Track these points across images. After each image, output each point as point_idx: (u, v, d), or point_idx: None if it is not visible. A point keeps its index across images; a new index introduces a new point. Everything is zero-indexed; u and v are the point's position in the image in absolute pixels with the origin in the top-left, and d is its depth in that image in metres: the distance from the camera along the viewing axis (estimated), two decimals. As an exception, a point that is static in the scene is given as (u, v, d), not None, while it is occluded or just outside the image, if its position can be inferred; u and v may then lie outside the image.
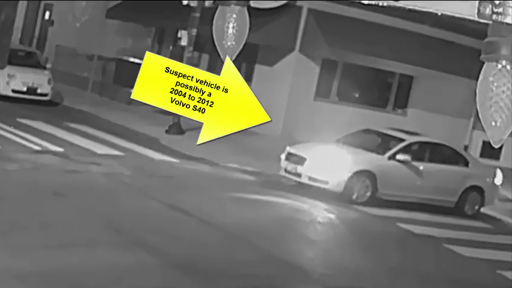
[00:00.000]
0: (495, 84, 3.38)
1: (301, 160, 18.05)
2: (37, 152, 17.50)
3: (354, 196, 17.81)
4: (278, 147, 19.47)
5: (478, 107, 3.49)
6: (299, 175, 18.04)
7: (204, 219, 13.89)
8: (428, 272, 13.47)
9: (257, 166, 19.87)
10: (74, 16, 26.09)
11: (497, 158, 27.93)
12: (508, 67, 3.37)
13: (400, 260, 14.00)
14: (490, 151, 27.05)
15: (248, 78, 26.95)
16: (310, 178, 17.84)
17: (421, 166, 18.70)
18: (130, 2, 28.67)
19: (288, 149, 18.70)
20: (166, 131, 22.94)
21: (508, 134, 3.44)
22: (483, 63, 3.45)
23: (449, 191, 19.16)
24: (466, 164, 19.71)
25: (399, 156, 18.37)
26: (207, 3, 22.59)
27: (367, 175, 17.92)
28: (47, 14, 35.74)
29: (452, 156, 19.67)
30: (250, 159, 20.52)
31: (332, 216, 16.57)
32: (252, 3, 4.17)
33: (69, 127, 21.40)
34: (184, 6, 23.40)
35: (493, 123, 3.40)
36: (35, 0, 35.56)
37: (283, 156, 18.68)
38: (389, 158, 18.35)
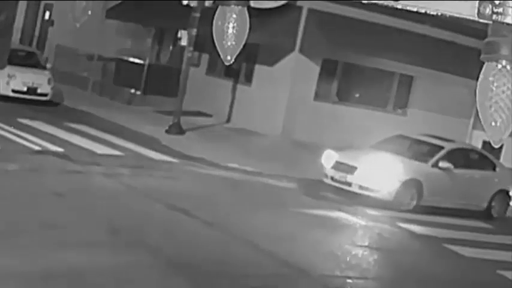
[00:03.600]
0: (495, 84, 3.38)
1: (351, 169, 18.14)
2: (37, 152, 17.50)
3: (403, 204, 18.04)
4: (278, 147, 19.48)
5: (478, 107, 3.49)
6: (349, 184, 18.13)
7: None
8: (426, 271, 13.48)
9: (266, 168, 19.85)
10: (74, 16, 26.06)
11: (497, 158, 27.90)
12: (508, 67, 3.37)
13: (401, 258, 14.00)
14: (490, 151, 27.02)
15: (248, 78, 26.97)
16: (361, 187, 17.98)
17: (459, 172, 19.04)
18: (130, 2, 28.66)
19: (335, 157, 18.69)
20: (166, 131, 22.94)
21: (508, 134, 3.44)
22: (483, 63, 3.45)
23: (482, 196, 19.62)
24: (494, 167, 20.04)
25: (441, 164, 18.71)
26: (207, 3, 22.58)
27: (414, 183, 18.20)
28: (47, 14, 35.74)
29: (481, 161, 20.05)
30: (254, 160, 20.50)
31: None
32: (252, 3, 4.16)
33: (69, 127, 21.39)
34: (184, 6, 23.39)
35: (493, 123, 3.40)
36: (35, 0, 35.56)
37: (326, 164, 18.74)
38: (433, 165, 18.66)
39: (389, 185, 17.82)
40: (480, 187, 19.52)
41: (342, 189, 18.30)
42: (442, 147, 19.07)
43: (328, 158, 18.83)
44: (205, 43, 22.89)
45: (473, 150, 20.07)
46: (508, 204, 19.97)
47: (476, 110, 3.60)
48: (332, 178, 18.50)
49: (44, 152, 17.58)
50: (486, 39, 3.45)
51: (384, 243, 15.11)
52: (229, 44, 3.94)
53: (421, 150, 19.24)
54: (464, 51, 25.03)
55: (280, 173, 19.70)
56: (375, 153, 18.82)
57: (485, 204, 19.67)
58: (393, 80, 28.14)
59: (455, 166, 18.90)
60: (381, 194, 17.82)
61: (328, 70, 26.44)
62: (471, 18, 21.92)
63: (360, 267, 12.86)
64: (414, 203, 18.21)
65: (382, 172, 17.89)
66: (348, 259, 13.20)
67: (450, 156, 18.95)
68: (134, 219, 13.23)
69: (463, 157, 19.49)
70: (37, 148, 17.83)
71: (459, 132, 28.10)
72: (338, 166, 18.39)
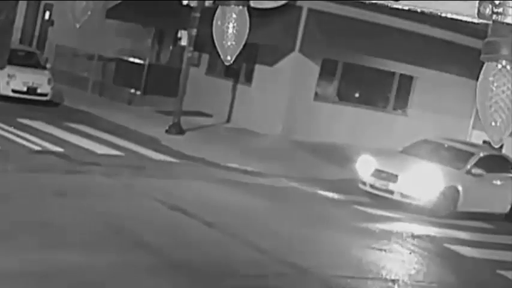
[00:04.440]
0: (495, 84, 3.37)
1: (392, 177, 18.42)
2: (37, 152, 17.50)
3: (441, 211, 18.32)
4: (279, 147, 19.48)
5: (478, 107, 3.49)
6: (391, 192, 18.40)
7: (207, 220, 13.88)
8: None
9: (269, 168, 19.87)
10: (74, 16, 26.04)
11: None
12: (508, 67, 3.36)
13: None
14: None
15: (248, 78, 26.97)
16: (402, 195, 18.25)
17: (488, 177, 19.35)
18: (130, 2, 28.66)
19: (373, 164, 18.91)
20: (167, 131, 22.94)
21: (508, 134, 3.44)
22: (483, 63, 3.45)
23: (506, 199, 19.88)
24: None
25: (474, 170, 19.07)
26: (207, 3, 22.59)
27: (453, 190, 18.52)
28: (47, 14, 35.74)
29: (504, 164, 20.32)
30: (254, 160, 20.51)
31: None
32: (252, 3, 4.16)
33: (69, 127, 21.39)
34: (184, 6, 23.40)
35: (493, 123, 3.39)
36: (35, 0, 35.56)
37: (363, 170, 18.97)
38: (467, 172, 19.02)
39: (430, 193, 18.18)
40: (505, 191, 19.88)
41: (382, 196, 18.57)
42: (472, 153, 19.50)
43: (365, 164, 19.10)
44: (205, 43, 22.90)
45: (498, 155, 20.35)
46: None
47: (476, 110, 3.60)
48: (371, 186, 18.80)
49: (44, 152, 17.59)
50: (486, 39, 3.45)
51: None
52: (229, 44, 3.94)
53: (452, 156, 19.58)
54: (464, 51, 25.04)
55: (283, 173, 19.71)
56: (412, 160, 19.15)
57: (508, 207, 19.98)
58: (393, 80, 28.14)
59: (487, 172, 19.35)
60: (422, 201, 18.18)
61: (328, 70, 26.45)
62: (471, 18, 21.96)
63: None
64: (451, 209, 18.59)
65: (423, 180, 18.23)
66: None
67: (481, 162, 19.38)
68: (134, 219, 13.23)
69: (491, 162, 19.79)
70: (37, 148, 17.83)
71: (459, 132, 28.11)
72: (378, 174, 18.67)
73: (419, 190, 18.10)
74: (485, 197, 19.21)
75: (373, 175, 18.72)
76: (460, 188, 18.56)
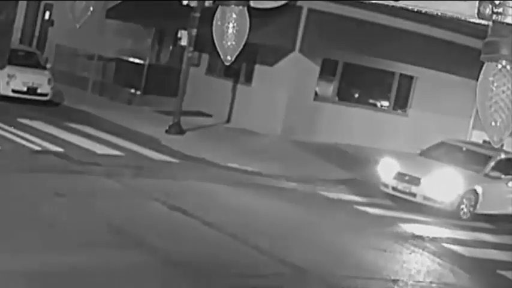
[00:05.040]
0: (495, 84, 3.37)
1: (415, 180, 18.79)
2: (37, 152, 17.50)
3: (462, 214, 18.69)
4: (279, 147, 19.47)
5: (478, 107, 3.49)
6: (414, 195, 18.75)
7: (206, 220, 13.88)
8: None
9: (269, 168, 19.87)
10: (74, 16, 26.04)
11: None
12: (508, 67, 3.36)
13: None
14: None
15: (248, 78, 26.97)
16: (425, 198, 18.62)
17: (505, 179, 19.72)
18: (130, 2, 28.65)
19: (395, 167, 19.23)
20: (167, 131, 22.93)
21: (508, 134, 3.44)
22: (483, 63, 3.45)
23: None
24: None
25: (493, 174, 19.50)
26: (207, 3, 22.58)
27: (472, 193, 18.90)
28: (47, 14, 35.73)
29: None
30: (254, 160, 20.51)
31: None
32: (252, 3, 4.16)
33: (69, 127, 21.39)
34: (184, 6, 23.38)
35: (493, 123, 3.39)
36: (35, 0, 35.55)
37: (385, 173, 19.34)
38: (485, 175, 19.41)
39: (452, 196, 18.55)
40: None
41: (404, 199, 18.87)
42: (490, 157, 19.83)
43: (387, 167, 19.49)
44: (205, 43, 22.89)
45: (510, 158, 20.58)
46: None
47: (476, 110, 3.60)
48: (394, 188, 19.14)
49: (44, 152, 17.59)
50: (486, 39, 3.45)
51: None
52: (229, 44, 3.94)
53: (471, 159, 19.95)
54: (464, 51, 25.02)
55: (283, 173, 19.71)
56: (434, 164, 19.57)
57: None
58: (393, 80, 28.13)
59: (504, 174, 19.78)
60: (444, 204, 18.54)
61: (328, 70, 26.44)
62: (471, 18, 21.95)
63: None
64: (471, 211, 18.92)
65: (445, 183, 18.61)
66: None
67: (498, 165, 19.78)
68: (134, 219, 13.23)
69: (507, 165, 20.14)
70: (37, 148, 17.83)
71: (459, 132, 28.10)
72: (401, 177, 19.03)
73: (441, 193, 18.53)
74: (502, 199, 19.56)
75: (395, 178, 19.16)
76: (479, 190, 18.96)
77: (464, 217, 18.70)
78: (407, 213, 18.03)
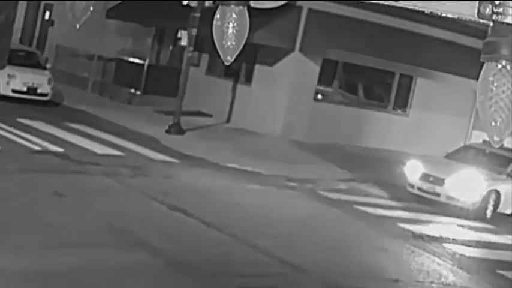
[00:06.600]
0: (495, 84, 3.37)
1: (439, 180, 19.47)
2: (37, 152, 17.50)
3: (485, 213, 19.23)
4: (279, 147, 19.47)
5: (478, 107, 3.49)
6: (438, 195, 19.45)
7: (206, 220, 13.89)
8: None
9: (269, 168, 19.87)
10: (74, 16, 26.03)
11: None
12: (508, 67, 3.36)
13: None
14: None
15: (248, 78, 26.97)
16: (448, 197, 19.27)
17: None
18: (130, 2, 28.66)
19: (421, 168, 19.89)
20: (167, 131, 22.94)
21: (508, 134, 3.44)
22: (483, 63, 3.45)
23: None
24: None
25: None
26: (207, 3, 22.58)
27: (495, 193, 19.46)
28: (47, 14, 35.73)
29: None
30: (257, 160, 20.51)
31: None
32: (252, 3, 4.16)
33: (69, 127, 21.39)
34: (184, 6, 23.39)
35: (493, 123, 3.39)
36: (35, 0, 35.55)
37: (411, 174, 20.01)
38: (507, 176, 19.95)
39: (474, 196, 19.06)
40: None
41: (429, 199, 19.50)
42: (511, 159, 20.39)
43: (413, 168, 20.16)
44: (205, 43, 22.91)
45: None
46: None
47: (476, 110, 3.60)
48: (419, 188, 19.81)
49: (44, 152, 17.59)
50: (486, 39, 3.45)
51: None
52: (229, 44, 3.94)
53: (493, 161, 20.44)
54: (464, 51, 25.03)
55: (282, 173, 19.71)
56: (457, 165, 20.16)
57: None
58: (393, 80, 28.14)
59: None
60: (467, 204, 19.08)
61: (328, 70, 26.44)
62: (471, 18, 21.91)
63: None
64: (493, 211, 19.41)
65: (468, 184, 19.19)
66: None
67: None
68: (134, 219, 13.23)
69: None
70: (37, 148, 17.83)
71: (459, 132, 28.12)
72: (426, 177, 19.71)
73: (464, 193, 19.05)
74: None
75: (421, 178, 19.76)
76: (501, 191, 19.47)
77: (488, 217, 19.18)
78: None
